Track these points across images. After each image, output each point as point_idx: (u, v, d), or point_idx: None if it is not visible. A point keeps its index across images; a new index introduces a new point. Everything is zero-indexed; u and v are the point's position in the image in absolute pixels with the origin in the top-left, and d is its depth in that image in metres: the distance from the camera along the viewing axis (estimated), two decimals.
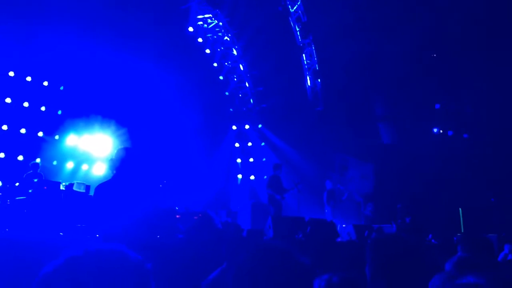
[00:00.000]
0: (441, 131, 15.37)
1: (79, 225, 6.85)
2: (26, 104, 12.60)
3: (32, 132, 12.58)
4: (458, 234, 9.14)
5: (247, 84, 17.23)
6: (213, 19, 15.31)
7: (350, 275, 1.60)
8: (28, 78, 12.62)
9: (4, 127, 12.08)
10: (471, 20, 12.71)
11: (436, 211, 12.47)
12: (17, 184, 9.58)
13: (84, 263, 0.99)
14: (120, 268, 1.01)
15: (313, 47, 15.81)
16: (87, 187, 9.13)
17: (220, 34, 15.91)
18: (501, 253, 6.95)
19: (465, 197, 12.39)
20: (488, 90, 12.84)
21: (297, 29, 15.35)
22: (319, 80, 16.32)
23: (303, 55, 15.98)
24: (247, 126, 17.93)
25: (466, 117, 13.57)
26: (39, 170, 10.13)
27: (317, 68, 16.14)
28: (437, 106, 14.58)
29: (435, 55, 14.76)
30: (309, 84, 16.45)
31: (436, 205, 12.92)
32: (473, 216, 11.59)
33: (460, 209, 11.71)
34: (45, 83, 12.96)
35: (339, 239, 7.83)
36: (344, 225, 11.40)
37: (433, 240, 9.59)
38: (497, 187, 12.57)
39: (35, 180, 9.29)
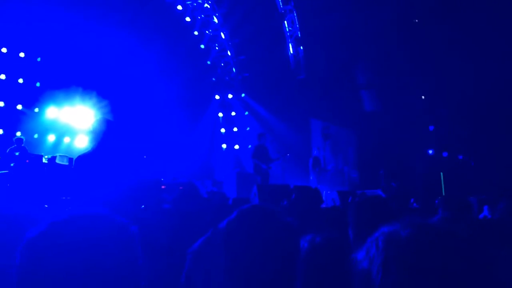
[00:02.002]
0: (422, 96, 15.49)
1: (63, 197, 6.82)
2: (3, 77, 12.28)
3: (10, 105, 12.32)
4: (439, 197, 9.33)
5: (229, 53, 17.02)
6: None
7: (333, 235, 1.63)
8: (4, 50, 12.26)
9: None
10: None
11: (417, 176, 12.71)
12: None
13: (68, 227, 0.99)
14: (105, 231, 1.01)
15: (295, 14, 15.59)
16: (70, 160, 9.05)
17: (200, 1, 15.57)
18: (481, 214, 7.13)
19: (446, 162, 12.63)
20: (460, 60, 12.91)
21: None
22: (301, 47, 16.18)
23: (285, 22, 15.76)
24: (230, 96, 17.82)
25: (448, 81, 13.64)
26: (23, 144, 9.96)
27: (299, 36, 15.97)
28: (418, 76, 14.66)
29: (417, 20, 14.70)
30: (291, 52, 16.31)
31: (418, 170, 13.15)
32: (454, 180, 11.84)
33: (441, 173, 11.95)
34: (22, 55, 12.61)
35: (323, 205, 7.95)
36: (328, 192, 11.56)
37: (414, 204, 9.80)
38: (476, 151, 12.82)
39: (17, 153, 9.16)
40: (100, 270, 0.95)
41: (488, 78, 12.20)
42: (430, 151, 13.92)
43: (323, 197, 8.56)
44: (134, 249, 1.04)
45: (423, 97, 15.42)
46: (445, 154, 13.10)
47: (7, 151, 9.65)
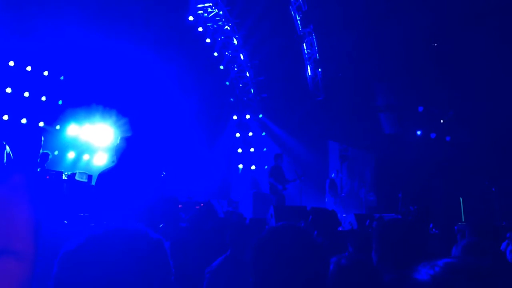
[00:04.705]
0: (441, 121, 15.35)
1: (82, 214, 6.88)
2: (26, 94, 12.57)
3: (33, 122, 12.56)
4: (459, 224, 9.15)
5: (247, 74, 17.17)
6: (213, 8, 15.20)
7: (358, 257, 1.61)
8: (28, 68, 12.57)
9: (5, 117, 12.05)
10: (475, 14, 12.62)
11: (436, 201, 12.48)
12: None
13: (105, 241, 1.00)
14: (140, 245, 1.02)
15: (314, 37, 15.73)
16: (89, 177, 9.14)
17: (220, 23, 15.81)
18: (503, 242, 6.96)
19: (466, 187, 12.40)
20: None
21: (298, 18, 15.25)
22: (319, 69, 16.26)
23: (304, 44, 15.90)
24: (248, 116, 17.90)
25: (470, 105, 13.51)
26: (47, 161, 10.04)
27: (318, 58, 16.07)
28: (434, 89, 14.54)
29: (436, 44, 14.69)
30: (309, 73, 16.39)
31: (437, 195, 12.93)
32: (474, 206, 11.60)
33: (461, 198, 11.72)
34: (45, 73, 12.92)
35: (340, 228, 7.86)
36: (344, 215, 11.44)
37: (434, 229, 9.62)
38: (498, 177, 12.57)
39: (38, 169, 9.29)
40: (135, 284, 0.96)
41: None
42: (450, 174, 13.70)
43: (340, 220, 8.48)
44: (167, 265, 1.05)
45: (442, 120, 15.29)
46: (466, 179, 12.87)
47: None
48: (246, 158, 17.83)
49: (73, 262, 0.98)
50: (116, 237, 1.02)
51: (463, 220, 11.11)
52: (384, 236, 1.98)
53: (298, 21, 15.29)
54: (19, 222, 1.08)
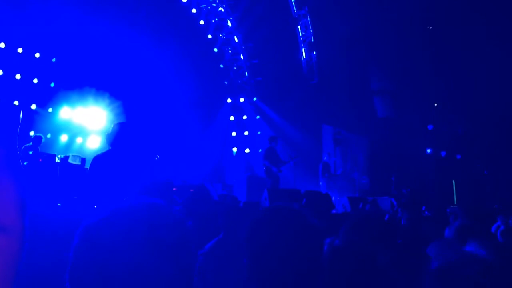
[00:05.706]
0: (435, 104, 15.38)
1: (75, 197, 6.87)
2: (18, 76, 12.42)
3: (24, 105, 12.45)
4: (452, 206, 9.25)
5: (242, 57, 17.04)
6: None
7: (352, 237, 1.61)
8: (20, 50, 12.41)
9: None
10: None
11: (429, 184, 12.58)
12: None
13: (130, 215, 0.99)
14: (164, 221, 1.00)
15: (309, 19, 15.58)
16: (83, 160, 9.11)
17: (214, 4, 15.61)
18: (494, 224, 7.04)
19: (458, 170, 12.49)
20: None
21: (293, 0, 15.10)
22: (314, 52, 16.15)
23: (298, 27, 15.75)
24: (242, 99, 17.82)
25: (463, 89, 13.53)
26: (41, 144, 9.94)
27: (313, 40, 15.95)
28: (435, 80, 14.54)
29: (431, 27, 14.63)
30: (304, 56, 16.29)
31: (429, 178, 13.03)
32: (466, 189, 11.71)
33: (453, 181, 11.82)
34: (37, 55, 12.76)
35: (334, 211, 7.90)
36: (338, 198, 11.51)
37: (426, 212, 9.71)
38: (490, 159, 12.67)
39: (30, 152, 9.23)
40: (157, 260, 0.95)
41: (505, 85, 12.07)
42: (442, 158, 13.79)
43: (333, 203, 8.52)
44: (189, 243, 1.03)
45: (435, 104, 15.31)
46: (458, 161, 12.96)
47: (22, 148, 9.69)
48: (240, 142, 17.80)
49: (96, 234, 0.97)
50: (142, 211, 1.01)
51: (455, 202, 11.23)
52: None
53: (293, 3, 15.13)
54: (3, 195, 1.05)
